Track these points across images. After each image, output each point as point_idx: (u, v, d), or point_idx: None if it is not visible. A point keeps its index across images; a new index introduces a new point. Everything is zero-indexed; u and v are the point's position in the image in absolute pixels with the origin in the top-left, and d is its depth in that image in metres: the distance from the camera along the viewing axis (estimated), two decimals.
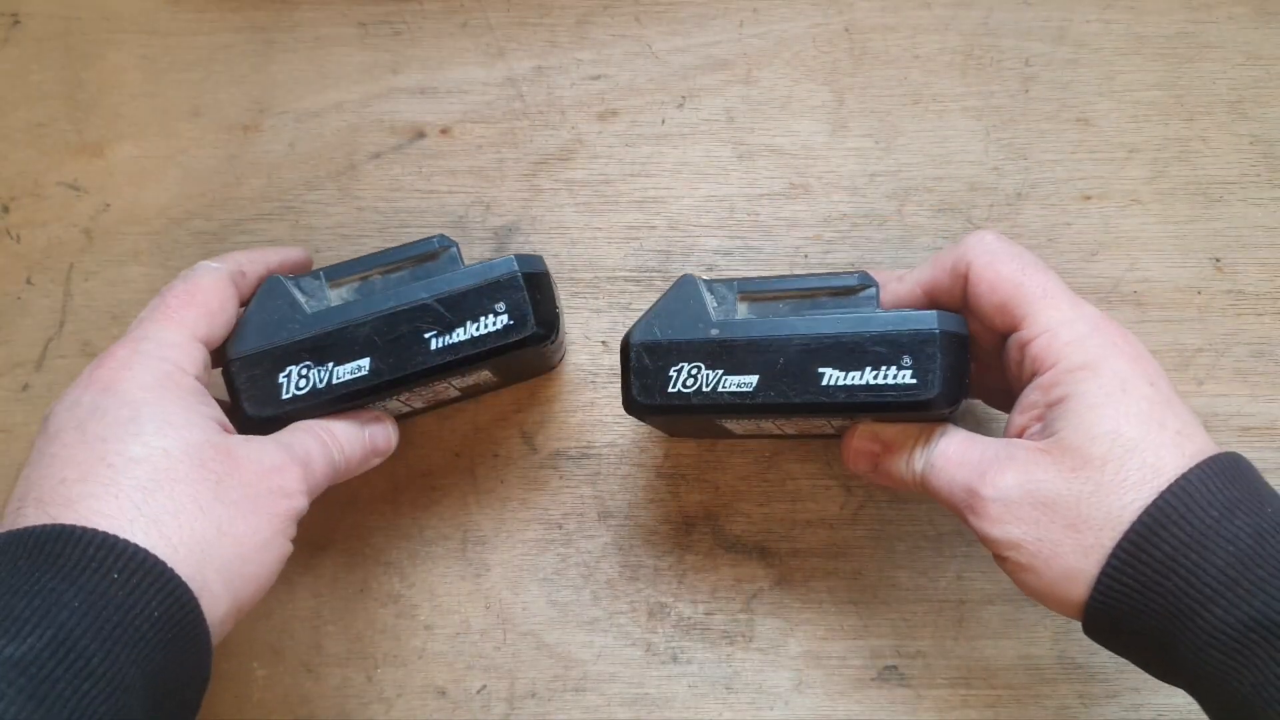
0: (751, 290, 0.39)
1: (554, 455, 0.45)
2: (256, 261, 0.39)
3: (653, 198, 0.46)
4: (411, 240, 0.40)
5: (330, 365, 0.37)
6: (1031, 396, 0.35)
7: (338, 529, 0.45)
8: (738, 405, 0.37)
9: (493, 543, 0.45)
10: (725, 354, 0.37)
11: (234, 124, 0.47)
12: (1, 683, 0.27)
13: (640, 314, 0.38)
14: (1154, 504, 0.31)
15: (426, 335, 0.37)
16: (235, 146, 0.47)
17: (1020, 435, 0.35)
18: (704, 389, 0.37)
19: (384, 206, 0.46)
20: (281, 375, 0.37)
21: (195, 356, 0.36)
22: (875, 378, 0.36)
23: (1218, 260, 0.46)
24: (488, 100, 0.47)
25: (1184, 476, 0.32)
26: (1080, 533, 0.32)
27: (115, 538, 0.30)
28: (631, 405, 0.38)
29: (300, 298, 0.38)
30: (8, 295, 0.46)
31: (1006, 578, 0.35)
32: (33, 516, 0.31)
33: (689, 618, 0.45)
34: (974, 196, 0.46)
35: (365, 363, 0.37)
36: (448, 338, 0.37)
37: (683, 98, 0.47)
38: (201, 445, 0.33)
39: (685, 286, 0.38)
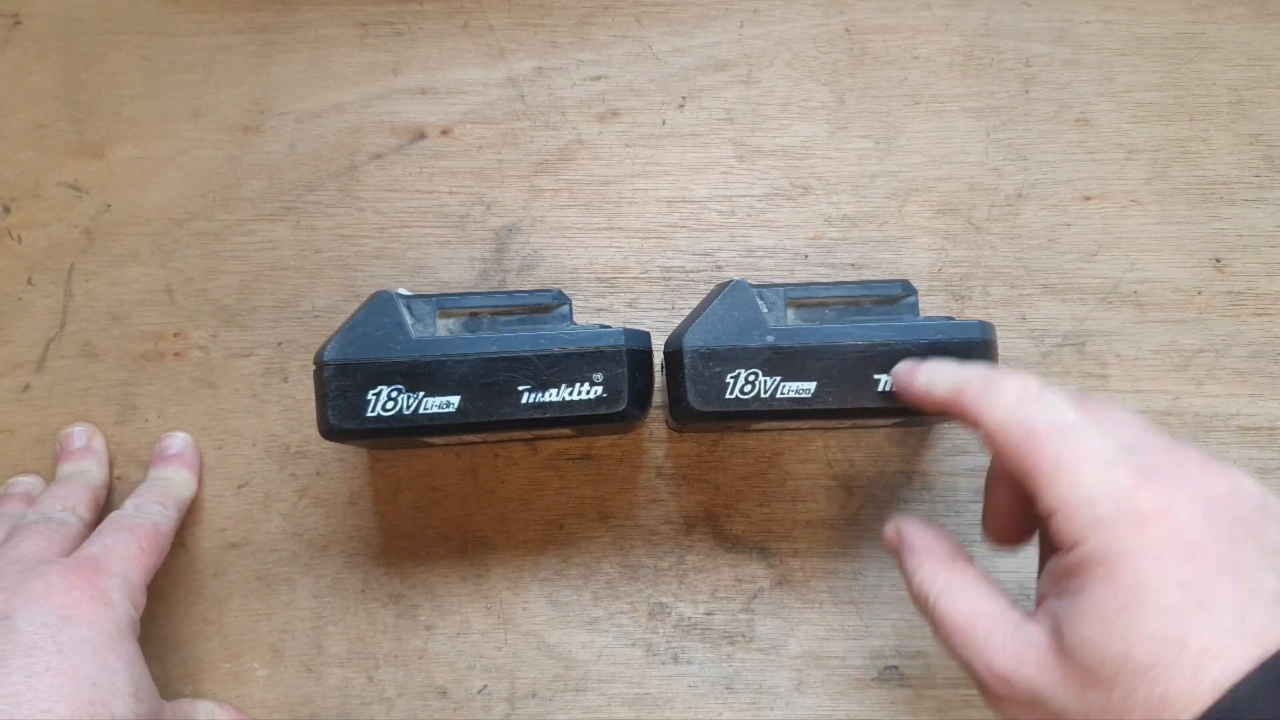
0: (799, 297, 0.39)
1: (554, 455, 0.45)
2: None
3: (653, 198, 0.46)
4: (528, 289, 0.41)
5: (421, 394, 0.37)
6: (1053, 570, 0.31)
7: (339, 529, 0.45)
8: (796, 411, 0.37)
9: (493, 543, 0.45)
10: (782, 361, 0.37)
11: (234, 125, 0.47)
12: None
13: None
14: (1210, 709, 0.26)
15: (520, 388, 0.37)
16: (236, 147, 0.47)
17: (1040, 601, 0.31)
18: (762, 395, 0.37)
19: (384, 207, 0.46)
20: (371, 392, 0.37)
21: (141, 607, 0.38)
22: None
23: (1218, 260, 0.46)
24: (488, 101, 0.47)
25: (1230, 692, 0.26)
26: None
27: None
28: (687, 414, 0.38)
29: (408, 319, 0.38)
30: (8, 296, 0.46)
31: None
32: None
33: (689, 618, 0.45)
34: (974, 196, 0.46)
35: (455, 400, 0.37)
36: (540, 395, 0.37)
37: (683, 98, 0.47)
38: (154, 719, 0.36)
39: (737, 292, 0.38)
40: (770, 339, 0.37)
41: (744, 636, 0.44)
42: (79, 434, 0.44)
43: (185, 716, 0.41)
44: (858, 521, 0.45)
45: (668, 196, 0.46)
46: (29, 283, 0.46)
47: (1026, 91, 0.47)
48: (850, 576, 0.45)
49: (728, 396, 0.37)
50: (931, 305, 0.46)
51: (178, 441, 0.44)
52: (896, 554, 0.36)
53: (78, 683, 0.32)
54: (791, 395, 0.37)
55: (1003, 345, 0.45)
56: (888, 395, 0.37)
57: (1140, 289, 0.46)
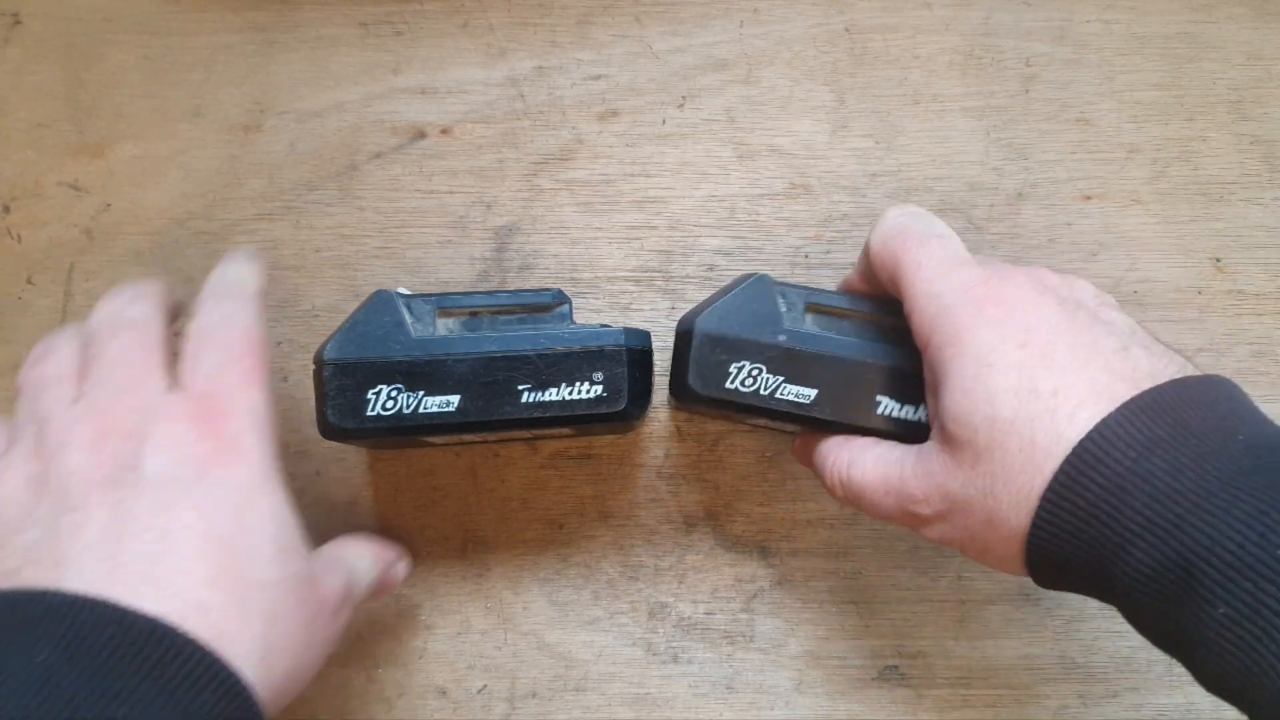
0: (819, 303, 0.39)
1: (554, 455, 0.45)
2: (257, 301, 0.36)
3: (653, 198, 0.46)
4: (529, 288, 0.41)
5: (420, 393, 0.37)
6: (925, 378, 0.34)
7: (339, 529, 0.45)
8: (792, 415, 0.37)
9: (493, 543, 0.45)
10: (789, 362, 0.37)
11: (235, 124, 0.47)
12: None
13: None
14: (1073, 452, 0.29)
15: (520, 387, 0.37)
16: (236, 147, 0.47)
17: (931, 421, 0.35)
18: (762, 392, 0.37)
19: (385, 206, 0.46)
20: (371, 391, 0.37)
21: (274, 435, 0.34)
22: (914, 414, 0.37)
23: (1218, 260, 0.46)
24: (488, 100, 0.47)
25: (1102, 422, 0.29)
26: (996, 527, 0.31)
27: (193, 644, 0.28)
28: (685, 393, 0.38)
29: (408, 319, 0.38)
30: (8, 295, 0.46)
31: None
32: (151, 599, 0.28)
33: (689, 618, 0.45)
34: (974, 196, 0.46)
35: (455, 399, 0.37)
36: (540, 394, 0.37)
37: (683, 98, 0.47)
38: (303, 579, 0.32)
39: (759, 286, 0.38)
40: (782, 338, 0.37)
41: (744, 636, 0.44)
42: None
43: (336, 563, 0.36)
44: (858, 521, 0.45)
45: (667, 196, 0.46)
46: (29, 282, 0.46)
47: (1026, 91, 0.47)
48: (850, 576, 0.45)
49: (728, 385, 0.37)
50: None
51: (240, 250, 0.38)
52: (808, 459, 0.38)
53: (215, 544, 0.30)
54: (790, 398, 0.37)
55: None
56: (889, 419, 0.37)
57: (1140, 289, 0.46)
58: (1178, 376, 0.31)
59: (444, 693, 0.45)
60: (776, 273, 0.46)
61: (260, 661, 0.29)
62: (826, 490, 0.37)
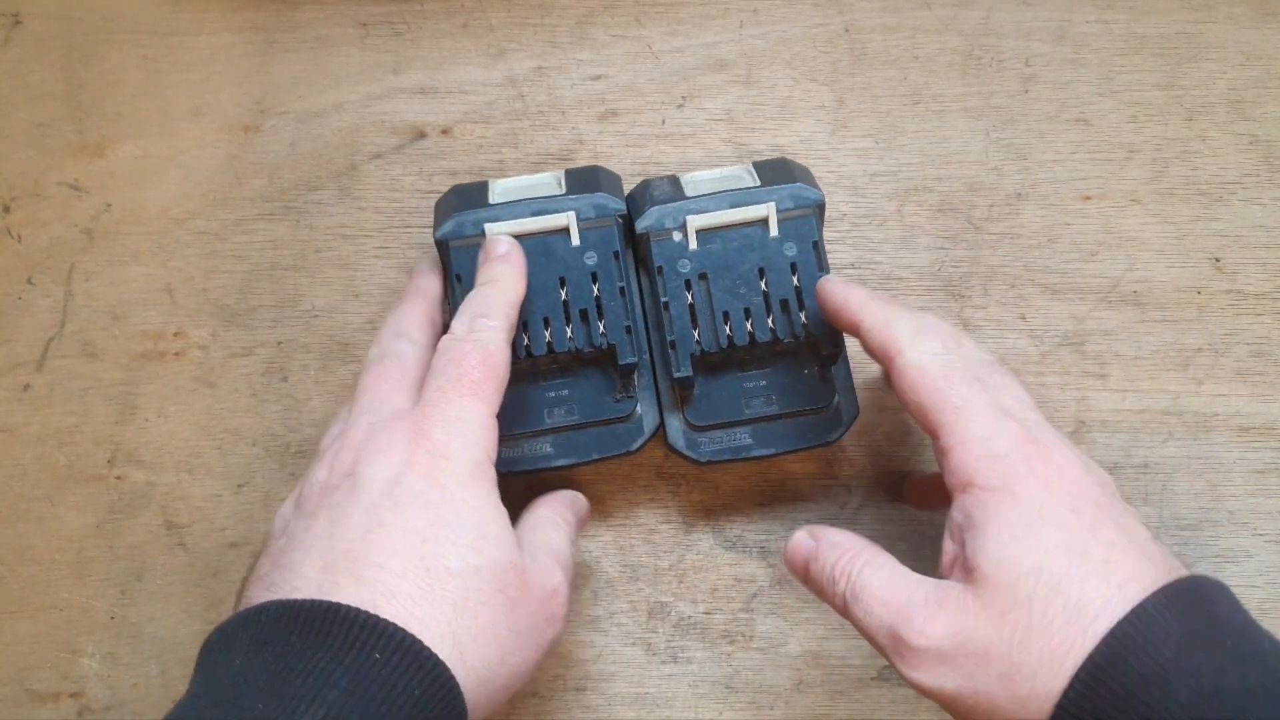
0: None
1: None
2: (513, 312, 0.39)
3: None
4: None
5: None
6: (955, 517, 0.33)
7: None
8: None
9: None
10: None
11: (235, 124, 0.47)
12: None
13: None
14: (1106, 638, 0.29)
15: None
16: (236, 146, 0.47)
17: (950, 564, 0.33)
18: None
19: (385, 206, 0.46)
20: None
21: (495, 439, 0.35)
22: None
23: (1218, 260, 0.46)
24: (488, 100, 0.47)
25: (1140, 606, 0.29)
26: (1014, 683, 0.30)
27: (387, 623, 0.30)
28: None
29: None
30: (9, 295, 0.46)
31: None
32: (349, 590, 0.31)
33: (689, 617, 0.45)
34: (974, 196, 0.46)
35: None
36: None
37: (683, 98, 0.47)
38: (505, 567, 0.33)
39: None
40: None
41: (744, 636, 0.44)
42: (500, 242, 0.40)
43: (540, 548, 0.37)
44: (858, 521, 0.45)
45: None
46: (29, 282, 0.46)
47: (1026, 91, 0.47)
48: None
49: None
50: (931, 304, 0.46)
51: (503, 244, 0.39)
52: (808, 559, 0.36)
53: (409, 537, 0.32)
54: None
55: (1003, 345, 0.45)
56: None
57: (1140, 289, 0.46)
58: (1191, 573, 0.32)
59: None
60: None
61: (452, 647, 0.31)
62: (820, 594, 0.36)
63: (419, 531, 0.32)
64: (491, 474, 0.35)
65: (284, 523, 0.35)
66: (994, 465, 0.32)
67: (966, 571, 0.32)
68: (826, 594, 0.35)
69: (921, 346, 0.34)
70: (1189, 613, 0.29)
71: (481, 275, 0.39)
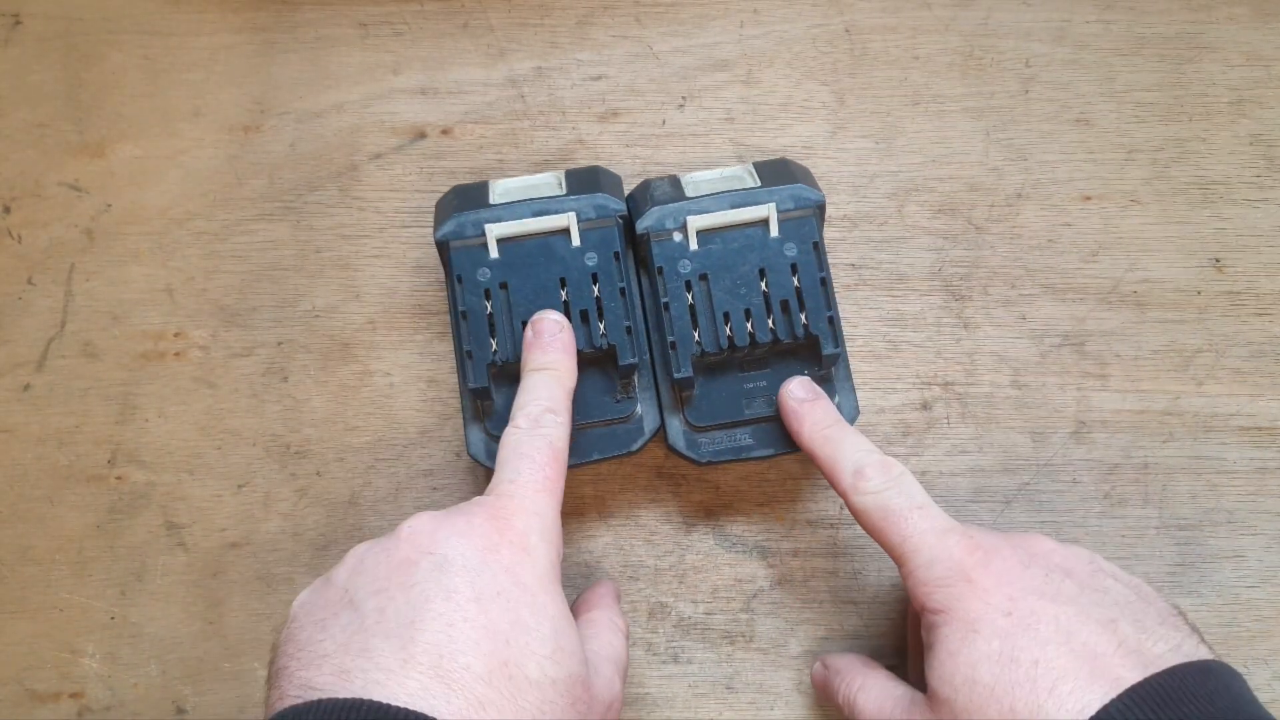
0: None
1: None
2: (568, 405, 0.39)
3: None
4: None
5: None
6: (925, 639, 0.35)
7: (339, 529, 0.45)
8: None
9: None
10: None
11: (235, 124, 0.47)
12: None
13: None
14: None
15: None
16: (236, 147, 0.47)
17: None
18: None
19: (385, 207, 0.46)
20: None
21: (560, 542, 0.35)
22: None
23: (1218, 260, 0.46)
24: (489, 101, 0.47)
25: (1104, 711, 0.29)
26: None
27: None
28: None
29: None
30: (9, 295, 0.46)
31: None
32: (440, 698, 0.29)
33: (689, 617, 0.45)
34: (974, 196, 0.46)
35: None
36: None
37: (683, 98, 0.47)
38: (576, 680, 0.32)
39: None
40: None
41: (744, 636, 0.44)
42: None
43: (599, 658, 0.36)
44: (856, 522, 0.45)
45: None
46: (29, 282, 0.46)
47: (1026, 91, 0.47)
48: (850, 576, 0.45)
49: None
50: (930, 305, 0.46)
51: (552, 323, 0.39)
52: (826, 684, 0.40)
53: (493, 638, 0.30)
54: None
55: (1003, 345, 0.45)
56: None
57: (1140, 289, 0.46)
58: (1170, 660, 0.31)
59: None
60: None
61: None
62: (837, 707, 0.40)
63: (503, 633, 0.31)
64: (560, 575, 0.34)
65: (338, 592, 0.33)
66: (937, 591, 0.34)
67: (929, 688, 0.34)
68: (838, 704, 0.39)
69: (861, 488, 0.37)
70: (1159, 714, 0.29)
71: (535, 359, 0.39)
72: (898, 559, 0.36)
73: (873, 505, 0.36)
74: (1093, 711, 0.29)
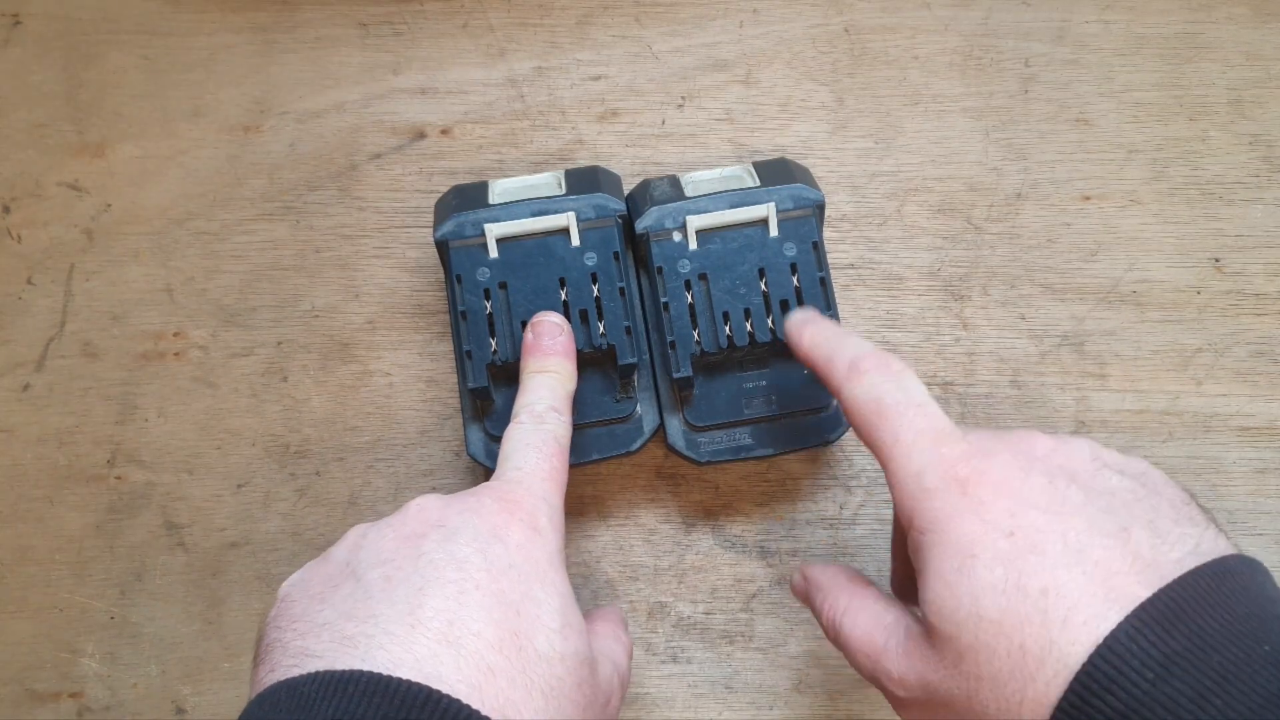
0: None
1: None
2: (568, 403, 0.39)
3: None
4: None
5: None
6: (913, 559, 0.32)
7: (339, 529, 0.45)
8: None
9: None
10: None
11: (235, 124, 0.47)
12: None
13: None
14: (1084, 671, 0.27)
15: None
16: (236, 147, 0.47)
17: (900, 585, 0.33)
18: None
19: (385, 207, 0.46)
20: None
21: (563, 530, 0.35)
22: None
23: (1218, 260, 0.46)
24: (488, 101, 0.47)
25: (1112, 636, 0.27)
26: None
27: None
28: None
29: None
30: (9, 295, 0.46)
31: None
32: (448, 662, 0.28)
33: (688, 617, 0.45)
34: (974, 196, 0.46)
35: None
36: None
37: (683, 98, 0.47)
38: (582, 662, 0.32)
39: None
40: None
41: (743, 636, 0.44)
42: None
43: (603, 653, 0.35)
44: (857, 521, 0.45)
45: None
46: (29, 282, 0.46)
47: (1026, 91, 0.47)
48: None
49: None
50: (929, 305, 0.46)
51: (551, 325, 0.39)
52: (807, 599, 0.37)
53: (505, 607, 0.30)
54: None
55: (1002, 345, 0.45)
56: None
57: (1140, 289, 0.46)
58: (1188, 564, 0.28)
59: None
60: None
61: None
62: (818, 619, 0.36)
63: (514, 604, 0.30)
64: (563, 562, 0.33)
65: (338, 566, 0.32)
66: (926, 503, 0.30)
67: (922, 621, 0.31)
68: (820, 618, 0.36)
69: (855, 379, 0.33)
70: (1170, 633, 0.27)
71: (535, 362, 0.38)
72: (884, 461, 0.32)
73: (866, 398, 0.33)
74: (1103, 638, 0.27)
